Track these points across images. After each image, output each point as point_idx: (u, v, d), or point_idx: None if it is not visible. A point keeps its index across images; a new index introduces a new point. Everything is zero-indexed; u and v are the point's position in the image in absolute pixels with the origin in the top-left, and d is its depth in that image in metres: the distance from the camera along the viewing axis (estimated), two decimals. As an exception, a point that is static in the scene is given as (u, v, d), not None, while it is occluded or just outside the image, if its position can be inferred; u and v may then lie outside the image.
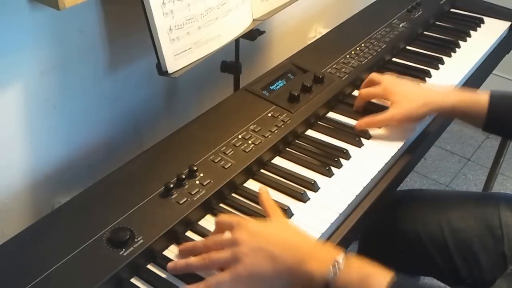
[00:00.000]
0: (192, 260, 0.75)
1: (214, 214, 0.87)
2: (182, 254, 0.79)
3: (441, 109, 1.04)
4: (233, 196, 0.91)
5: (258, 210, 0.87)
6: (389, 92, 1.06)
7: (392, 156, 1.01)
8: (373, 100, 1.12)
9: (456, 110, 1.03)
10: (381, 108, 1.07)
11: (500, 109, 1.01)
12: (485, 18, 1.52)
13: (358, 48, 1.28)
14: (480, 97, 1.01)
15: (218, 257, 0.73)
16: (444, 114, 1.09)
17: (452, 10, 1.58)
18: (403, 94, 1.04)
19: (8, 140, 0.97)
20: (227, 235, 0.76)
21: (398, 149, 1.03)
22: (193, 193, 0.86)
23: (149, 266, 0.79)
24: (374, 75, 1.12)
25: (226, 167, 0.92)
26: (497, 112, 1.00)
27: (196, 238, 0.83)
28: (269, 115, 1.05)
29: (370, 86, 1.11)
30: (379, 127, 1.06)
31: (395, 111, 1.03)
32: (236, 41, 1.22)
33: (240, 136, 0.98)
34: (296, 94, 1.08)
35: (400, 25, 1.41)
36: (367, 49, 1.28)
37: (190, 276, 0.76)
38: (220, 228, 0.79)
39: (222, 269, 0.73)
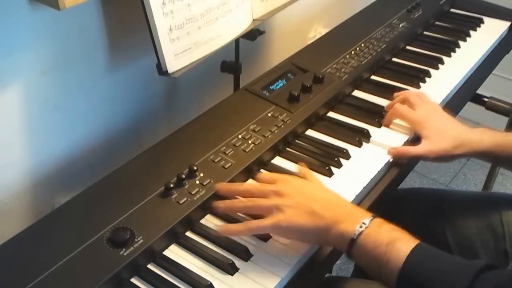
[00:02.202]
0: (236, 201, 0.83)
1: (214, 214, 0.87)
2: (222, 193, 0.86)
3: (476, 152, 1.01)
4: (233, 196, 0.91)
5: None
6: (422, 126, 1.02)
7: (392, 157, 1.01)
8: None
9: (491, 153, 1.00)
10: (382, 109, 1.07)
11: None
12: (485, 18, 1.52)
13: (358, 48, 1.28)
14: (510, 140, 0.99)
15: (263, 204, 0.80)
16: (476, 156, 1.04)
17: (452, 10, 1.59)
18: (438, 132, 1.00)
19: (9, 140, 0.97)
20: (270, 186, 0.83)
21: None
22: (193, 193, 0.86)
23: (149, 266, 0.79)
24: (411, 96, 1.08)
25: (226, 167, 0.92)
26: None
27: (196, 238, 0.83)
28: (269, 115, 1.05)
29: (402, 103, 1.08)
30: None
31: (430, 149, 0.99)
32: (236, 41, 1.22)
33: (240, 136, 0.98)
34: (296, 94, 1.08)
35: (400, 25, 1.41)
36: (367, 49, 1.28)
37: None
38: (263, 181, 0.86)
39: (258, 217, 0.80)
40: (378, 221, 0.78)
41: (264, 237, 0.82)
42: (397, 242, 0.74)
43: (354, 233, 0.75)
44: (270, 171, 0.96)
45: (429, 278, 0.71)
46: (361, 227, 0.76)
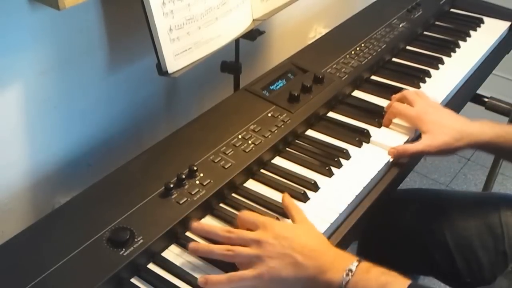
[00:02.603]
0: (216, 248, 0.77)
1: (214, 214, 0.87)
2: (197, 233, 0.81)
3: (477, 144, 1.00)
4: (233, 196, 0.91)
5: (258, 210, 0.87)
6: (422, 120, 1.01)
7: (391, 156, 1.01)
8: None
9: (493, 144, 1.00)
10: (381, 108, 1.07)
11: None
12: (485, 18, 1.53)
13: (358, 48, 1.28)
14: (511, 132, 0.99)
15: (243, 253, 0.75)
16: (475, 148, 1.04)
17: (452, 10, 1.59)
18: (437, 125, 1.00)
19: (8, 140, 0.97)
20: (250, 233, 0.78)
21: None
22: (193, 193, 0.86)
23: (149, 266, 0.79)
24: (408, 94, 1.08)
25: (226, 167, 0.92)
26: None
27: (196, 239, 0.83)
28: (269, 115, 1.05)
29: (401, 101, 1.08)
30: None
31: (430, 143, 0.99)
32: (236, 41, 1.22)
33: (240, 136, 0.98)
34: (296, 94, 1.08)
35: (400, 25, 1.41)
36: (367, 49, 1.28)
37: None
38: (243, 224, 0.80)
39: (236, 264, 0.76)
40: (365, 265, 0.74)
41: None
42: (389, 287, 0.72)
43: (342, 282, 0.72)
44: (270, 171, 0.96)
45: None
46: (347, 275, 0.72)
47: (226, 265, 0.77)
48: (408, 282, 0.72)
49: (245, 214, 0.81)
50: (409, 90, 1.13)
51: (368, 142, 1.04)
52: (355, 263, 0.74)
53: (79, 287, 0.72)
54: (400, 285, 0.72)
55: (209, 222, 0.86)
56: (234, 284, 0.74)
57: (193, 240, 0.82)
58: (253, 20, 1.17)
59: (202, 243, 0.80)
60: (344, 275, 0.72)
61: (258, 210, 0.86)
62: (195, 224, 0.81)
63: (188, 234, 0.84)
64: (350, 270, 0.73)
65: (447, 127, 0.99)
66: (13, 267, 0.74)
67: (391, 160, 1.00)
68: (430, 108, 1.04)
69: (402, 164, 1.02)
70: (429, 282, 1.27)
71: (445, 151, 1.00)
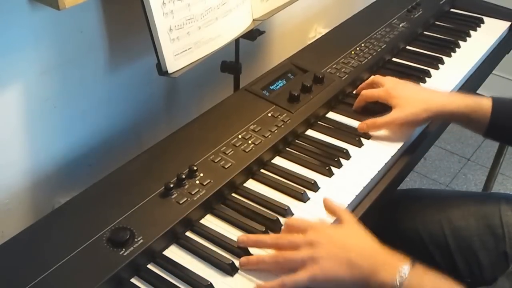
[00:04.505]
0: (266, 257, 0.76)
1: (214, 214, 0.87)
2: (246, 245, 0.79)
3: (443, 114, 1.03)
4: (233, 196, 0.91)
5: (258, 210, 0.87)
6: (391, 95, 1.05)
7: (392, 156, 1.01)
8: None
9: (459, 115, 1.02)
10: (381, 108, 1.07)
11: (503, 115, 1.00)
12: (485, 18, 1.52)
13: (358, 48, 1.28)
14: (483, 103, 1.00)
15: (294, 257, 0.74)
16: (445, 119, 1.08)
17: (452, 10, 1.58)
18: (405, 98, 1.03)
19: (8, 140, 0.97)
20: (301, 236, 0.77)
21: (398, 149, 1.03)
22: (193, 193, 0.86)
23: (149, 266, 0.79)
24: (376, 77, 1.12)
25: (226, 167, 0.92)
26: (499, 118, 0.99)
27: (196, 238, 0.83)
28: (269, 115, 1.05)
29: (371, 88, 1.11)
30: (381, 130, 1.05)
31: (397, 115, 1.02)
32: (236, 41, 1.22)
33: (240, 136, 0.98)
34: (296, 94, 1.08)
35: (400, 25, 1.41)
36: (367, 49, 1.28)
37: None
38: (291, 229, 0.80)
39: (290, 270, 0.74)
40: (419, 270, 0.74)
41: None
42: None
43: (395, 283, 0.72)
44: (270, 171, 0.96)
45: None
46: (401, 276, 0.72)
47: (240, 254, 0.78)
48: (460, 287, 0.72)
49: (293, 220, 0.81)
50: (377, 75, 1.14)
51: (368, 141, 1.04)
52: (408, 265, 0.73)
53: (79, 287, 0.72)
54: None
55: (209, 221, 0.86)
56: (288, 287, 0.73)
57: (193, 240, 0.82)
58: (253, 20, 1.17)
59: (251, 256, 0.78)
60: (398, 277, 0.72)
61: (258, 210, 0.86)
62: (241, 237, 0.79)
63: (188, 234, 0.84)
64: (404, 273, 0.72)
65: (415, 99, 1.02)
66: (13, 267, 0.74)
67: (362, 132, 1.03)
68: (399, 84, 1.08)
69: (402, 164, 1.02)
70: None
71: (414, 122, 1.03)
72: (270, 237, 0.80)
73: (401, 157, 1.04)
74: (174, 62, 0.98)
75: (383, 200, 0.96)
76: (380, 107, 1.08)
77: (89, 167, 1.14)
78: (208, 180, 0.88)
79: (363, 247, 0.76)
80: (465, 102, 1.01)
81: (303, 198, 0.90)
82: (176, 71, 0.99)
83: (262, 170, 0.97)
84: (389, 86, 1.07)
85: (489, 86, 1.50)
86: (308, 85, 1.11)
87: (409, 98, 1.03)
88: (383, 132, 1.07)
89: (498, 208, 1.07)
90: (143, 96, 1.21)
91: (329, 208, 0.86)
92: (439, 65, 1.31)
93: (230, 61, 1.28)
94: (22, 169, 1.02)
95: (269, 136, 0.99)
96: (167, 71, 0.97)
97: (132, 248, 0.77)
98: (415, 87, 1.09)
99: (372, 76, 1.13)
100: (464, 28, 1.47)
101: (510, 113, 1.01)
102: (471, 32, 1.46)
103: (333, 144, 1.03)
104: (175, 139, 0.98)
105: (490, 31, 1.47)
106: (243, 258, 0.77)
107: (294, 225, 0.80)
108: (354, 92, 1.18)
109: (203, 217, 0.87)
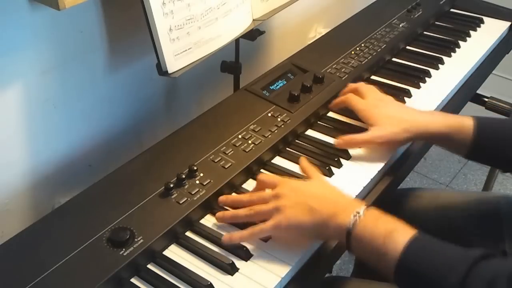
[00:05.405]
0: (239, 211, 0.84)
1: (214, 214, 0.87)
2: (225, 205, 0.88)
3: (424, 134, 0.99)
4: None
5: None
6: (369, 113, 1.01)
7: (392, 156, 1.01)
8: None
9: (440, 135, 0.98)
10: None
11: (485, 136, 0.96)
12: (485, 18, 1.52)
13: (358, 48, 1.28)
14: (465, 123, 0.96)
15: (263, 209, 0.82)
16: (426, 139, 1.03)
17: (452, 10, 1.58)
18: (386, 117, 0.99)
19: (8, 140, 0.97)
20: (269, 191, 0.85)
21: (398, 149, 1.03)
22: (193, 193, 0.86)
23: (149, 266, 0.79)
24: (362, 86, 1.08)
25: (226, 167, 0.92)
26: (482, 140, 0.95)
27: (196, 238, 0.83)
28: (269, 115, 1.05)
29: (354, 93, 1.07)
30: (359, 147, 1.02)
31: (377, 134, 0.98)
32: (236, 41, 1.22)
33: (240, 136, 0.98)
34: (296, 94, 1.08)
35: (400, 25, 1.41)
36: (367, 49, 1.28)
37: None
38: (261, 186, 0.87)
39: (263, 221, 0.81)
40: (375, 213, 0.78)
41: (265, 238, 0.82)
42: (394, 234, 0.74)
43: (349, 223, 0.76)
44: (270, 171, 0.96)
45: (426, 270, 0.71)
46: (354, 216, 0.76)
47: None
48: (413, 232, 0.75)
49: (263, 176, 0.88)
50: (363, 83, 1.12)
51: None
52: (363, 207, 0.78)
53: (79, 287, 0.72)
54: (405, 233, 0.74)
55: (209, 221, 0.86)
56: (255, 236, 0.81)
57: (193, 240, 0.82)
58: (253, 20, 1.17)
59: (227, 211, 0.86)
60: (352, 217, 0.76)
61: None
62: (222, 198, 0.88)
63: (188, 234, 0.84)
64: (358, 212, 0.77)
65: (396, 118, 0.99)
66: (13, 267, 0.74)
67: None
68: (380, 102, 1.04)
69: (402, 164, 1.02)
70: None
71: (394, 142, 1.00)
72: (245, 195, 0.88)
73: (401, 157, 1.04)
74: (174, 62, 0.98)
75: (383, 200, 0.96)
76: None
77: (89, 167, 1.14)
78: (208, 180, 0.88)
79: (325, 195, 0.82)
80: (447, 122, 0.97)
81: (303, 198, 0.90)
82: (176, 71, 0.99)
83: (262, 170, 0.97)
84: (370, 102, 1.03)
85: (489, 86, 1.50)
86: (308, 85, 1.11)
87: (389, 117, 0.99)
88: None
89: (498, 208, 1.07)
90: (143, 96, 1.21)
91: (303, 167, 0.92)
92: (439, 65, 1.31)
93: (230, 61, 1.28)
94: (22, 169, 1.02)
95: (269, 136, 0.99)
96: (167, 71, 0.97)
97: (132, 248, 0.77)
98: (396, 105, 1.05)
99: (358, 84, 1.10)
100: (464, 28, 1.47)
101: (493, 133, 0.97)
102: (471, 32, 1.46)
103: (333, 144, 1.03)
104: (175, 139, 0.98)
105: (490, 31, 1.47)
106: (219, 213, 0.85)
107: (264, 181, 0.87)
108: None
109: (203, 217, 0.87)
